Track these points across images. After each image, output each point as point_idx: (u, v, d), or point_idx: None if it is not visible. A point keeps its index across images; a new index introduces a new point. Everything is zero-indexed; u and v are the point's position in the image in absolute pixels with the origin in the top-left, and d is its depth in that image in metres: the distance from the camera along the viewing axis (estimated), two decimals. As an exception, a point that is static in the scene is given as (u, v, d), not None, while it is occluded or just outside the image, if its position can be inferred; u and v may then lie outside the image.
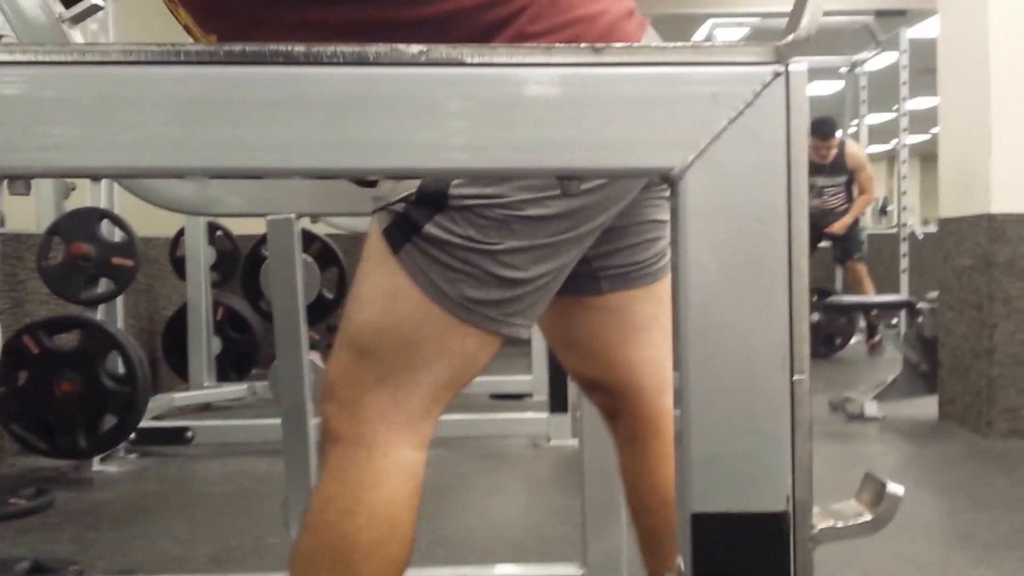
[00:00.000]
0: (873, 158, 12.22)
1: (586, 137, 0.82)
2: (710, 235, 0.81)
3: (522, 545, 2.86)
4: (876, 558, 2.57)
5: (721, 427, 0.81)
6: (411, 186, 1.34)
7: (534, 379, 5.33)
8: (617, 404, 1.64)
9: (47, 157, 0.81)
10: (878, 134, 8.89)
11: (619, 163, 0.82)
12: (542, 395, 4.94)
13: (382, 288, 1.35)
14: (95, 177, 1.79)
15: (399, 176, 1.28)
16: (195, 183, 2.12)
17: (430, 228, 1.31)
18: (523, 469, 3.97)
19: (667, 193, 1.57)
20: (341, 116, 0.81)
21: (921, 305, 5.10)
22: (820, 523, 0.81)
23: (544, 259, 1.35)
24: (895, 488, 0.81)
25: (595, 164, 0.82)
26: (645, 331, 1.59)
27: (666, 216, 1.58)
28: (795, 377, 0.80)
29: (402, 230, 1.33)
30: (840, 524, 0.82)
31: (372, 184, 1.46)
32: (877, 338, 7.53)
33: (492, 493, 3.62)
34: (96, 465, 3.91)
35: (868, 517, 0.81)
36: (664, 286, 1.60)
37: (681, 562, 0.84)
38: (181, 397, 5.18)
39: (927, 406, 4.87)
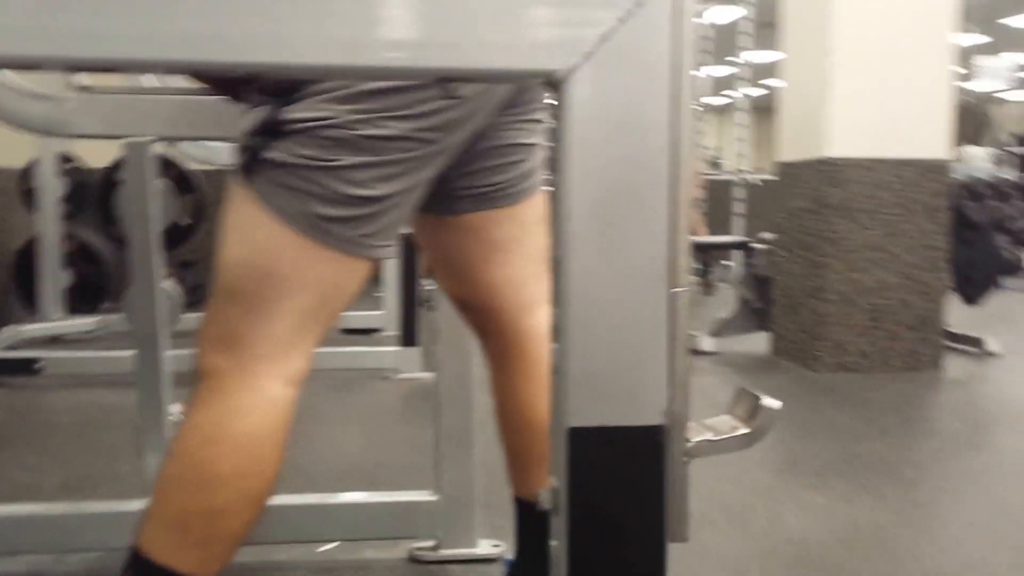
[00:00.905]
0: (708, 110, 12.46)
1: (467, 37, 0.75)
2: (592, 143, 0.75)
3: (374, 473, 2.81)
4: (713, 483, 2.61)
5: (598, 341, 0.76)
6: (256, 119, 1.31)
7: (385, 314, 5.26)
8: (484, 324, 1.62)
9: None
10: (712, 87, 9.05)
11: (501, 65, 0.75)
12: (392, 330, 4.89)
13: (240, 221, 1.33)
14: None
15: (267, 73, 1.19)
16: (50, 102, 1.97)
17: (271, 153, 1.28)
18: (374, 401, 3.91)
19: (533, 115, 1.53)
20: (212, 5, 0.72)
21: (755, 245, 5.22)
22: (696, 437, 0.78)
23: (390, 178, 1.31)
24: (771, 402, 0.78)
25: (476, 65, 0.76)
26: (505, 252, 1.56)
27: (530, 139, 1.54)
28: (673, 290, 0.76)
29: (249, 161, 1.31)
30: (716, 437, 0.78)
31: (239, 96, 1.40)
32: (711, 277, 7.72)
33: (344, 423, 3.54)
34: (-61, 395, 3.68)
35: (744, 431, 0.78)
36: (526, 208, 1.57)
37: (555, 479, 0.79)
38: (30, 329, 4.91)
39: (760, 342, 5.01)
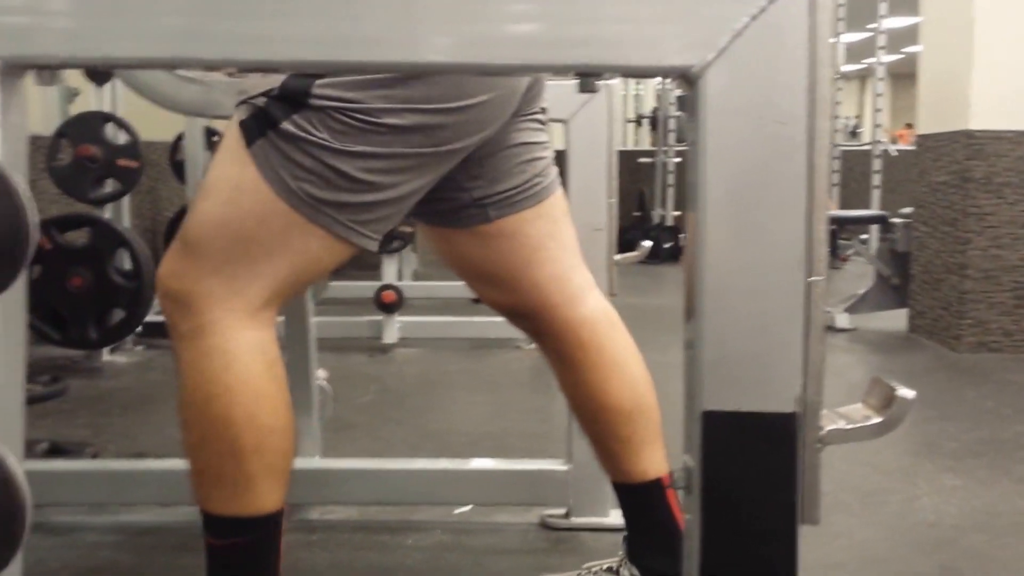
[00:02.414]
0: (845, 76, 12.07)
1: (604, 33, 0.77)
2: (728, 136, 0.76)
3: (504, 441, 2.86)
4: (846, 465, 2.57)
5: (734, 327, 0.77)
6: (275, 81, 1.30)
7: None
8: (537, 325, 1.62)
9: (72, 48, 0.77)
10: (850, 54, 8.75)
11: (637, 60, 0.77)
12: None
13: (230, 179, 1.32)
14: (119, 67, 1.73)
15: (420, 72, 1.22)
16: (200, 85, 2.06)
17: (287, 125, 1.28)
18: (504, 370, 3.96)
19: (537, 114, 1.52)
20: (352, 10, 0.76)
21: (894, 220, 5.07)
22: (828, 425, 0.78)
23: (398, 171, 1.32)
24: (905, 392, 0.79)
25: (613, 61, 0.78)
26: (543, 250, 1.56)
27: (539, 138, 1.54)
28: (810, 279, 0.77)
29: (259, 124, 1.30)
30: (848, 426, 0.79)
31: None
32: (846, 252, 7.53)
33: (474, 392, 3.61)
34: (105, 355, 3.90)
35: (877, 420, 0.79)
36: (552, 203, 1.57)
37: (689, 459, 0.81)
38: (184, 294, 5.15)
39: (897, 319, 4.86)
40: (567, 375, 1.63)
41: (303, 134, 1.27)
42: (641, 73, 1.18)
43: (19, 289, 0.82)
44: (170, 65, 1.20)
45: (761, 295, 0.77)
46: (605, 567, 1.71)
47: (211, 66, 1.04)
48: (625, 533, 1.69)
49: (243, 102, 1.33)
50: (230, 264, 1.30)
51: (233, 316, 1.30)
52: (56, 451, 2.53)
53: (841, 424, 0.79)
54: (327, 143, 1.27)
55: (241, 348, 1.30)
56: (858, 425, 0.79)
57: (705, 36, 0.75)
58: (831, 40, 0.77)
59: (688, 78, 0.76)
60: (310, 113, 1.28)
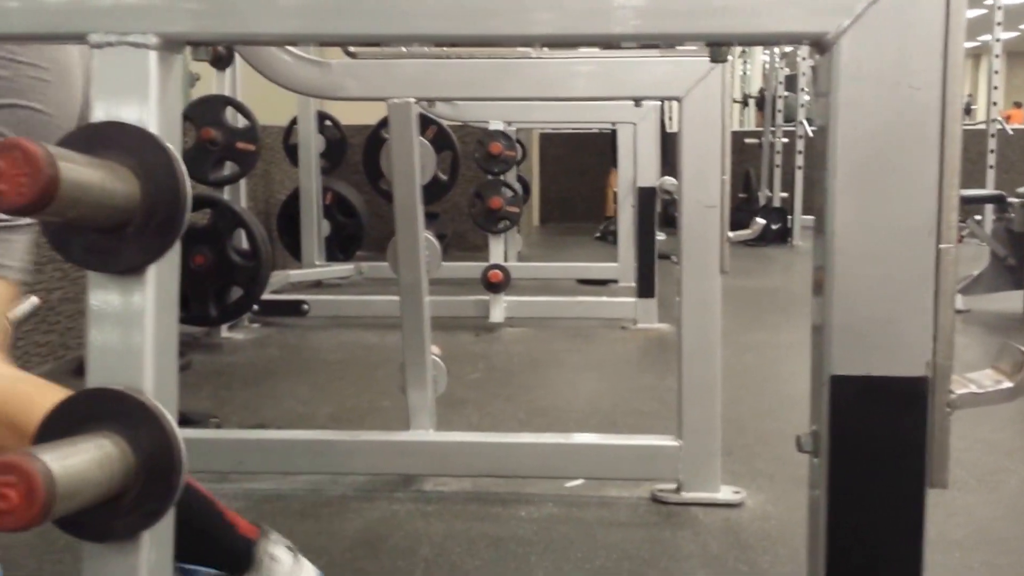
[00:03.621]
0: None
1: (738, 2, 0.78)
2: (861, 101, 0.77)
3: (612, 418, 2.87)
4: (964, 443, 2.52)
5: (864, 292, 0.78)
6: None
7: (620, 266, 5.32)
8: None
9: (224, 24, 0.82)
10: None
11: (772, 28, 0.78)
12: (627, 281, 4.93)
13: None
14: (269, 44, 1.78)
15: (557, 44, 1.22)
16: (320, 67, 2.12)
17: None
18: (611, 349, 3.97)
19: None
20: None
21: (1011, 199, 4.91)
22: (959, 389, 0.79)
23: None
24: (1039, 357, 0.78)
25: (746, 29, 0.78)
26: None
27: None
28: (942, 246, 0.77)
29: None
30: (979, 390, 0.79)
31: None
32: (963, 232, 7.31)
33: (583, 370, 3.63)
34: (224, 332, 4.03)
35: (1008, 384, 0.78)
36: None
37: (816, 423, 0.82)
38: (296, 274, 5.29)
39: (1013, 300, 4.72)
40: None
41: None
42: (774, 41, 1.18)
43: (174, 256, 0.86)
44: (318, 41, 1.24)
45: (892, 261, 0.78)
46: None
47: (344, 42, 1.07)
48: None
49: None
50: None
51: None
52: (183, 421, 2.63)
53: (972, 388, 0.79)
54: None
55: None
56: (989, 390, 0.79)
57: (840, 3, 0.75)
58: (966, 5, 0.76)
59: (822, 45, 0.76)
60: None
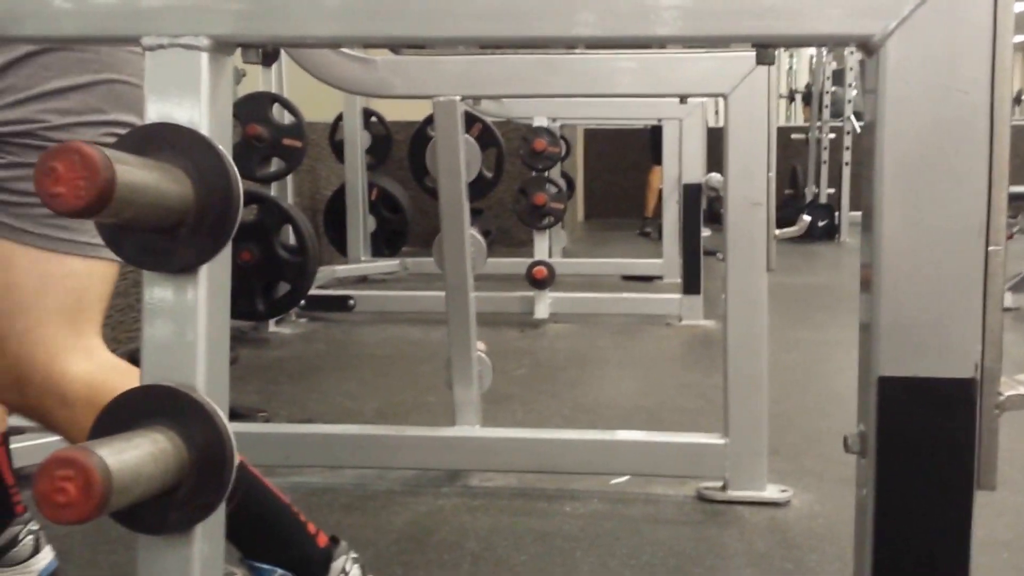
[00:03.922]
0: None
1: (784, 2, 0.78)
2: (908, 103, 0.76)
3: (657, 415, 2.87)
4: (1012, 444, 2.47)
5: (912, 293, 0.78)
6: None
7: (664, 262, 5.31)
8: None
9: (275, 27, 0.83)
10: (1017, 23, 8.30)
11: (819, 30, 0.78)
12: (672, 278, 4.92)
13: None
14: (318, 46, 1.80)
15: (601, 45, 1.22)
16: (366, 65, 2.14)
17: None
18: (656, 346, 3.96)
19: None
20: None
21: (1064, 196, 4.83)
22: (1007, 391, 0.78)
23: None
24: (1090, 359, 0.77)
25: (793, 31, 0.78)
26: None
27: None
28: (991, 248, 0.77)
29: None
30: (1029, 392, 0.78)
31: None
32: (1014, 229, 7.19)
33: (627, 367, 3.63)
34: (272, 327, 4.09)
35: (1059, 386, 0.78)
36: None
37: (863, 424, 0.82)
38: (342, 269, 5.34)
39: (1065, 298, 4.65)
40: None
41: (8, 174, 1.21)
42: (820, 42, 1.17)
43: (226, 256, 0.88)
44: (365, 43, 1.25)
45: (940, 262, 0.77)
46: None
47: (391, 43, 1.08)
48: None
49: None
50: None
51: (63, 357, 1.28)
52: (231, 415, 2.67)
53: (1020, 390, 0.78)
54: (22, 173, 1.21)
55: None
56: (1040, 392, 0.78)
57: (887, 4, 0.75)
58: (1016, 6, 0.76)
59: (869, 47, 0.76)
60: None
